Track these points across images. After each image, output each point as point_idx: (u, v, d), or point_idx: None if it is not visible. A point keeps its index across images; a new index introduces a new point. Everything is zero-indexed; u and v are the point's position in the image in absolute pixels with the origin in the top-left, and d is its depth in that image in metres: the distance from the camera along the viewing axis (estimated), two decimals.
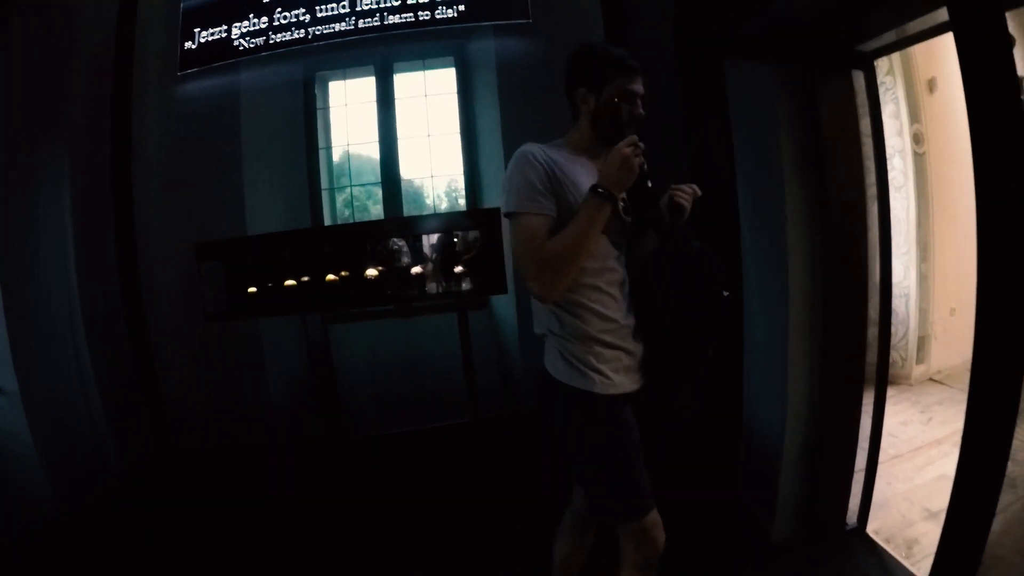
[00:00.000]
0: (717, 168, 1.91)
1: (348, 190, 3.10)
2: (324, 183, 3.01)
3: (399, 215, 2.90)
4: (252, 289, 2.15)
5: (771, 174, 1.65)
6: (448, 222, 2.11)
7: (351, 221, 3.06)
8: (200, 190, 2.70)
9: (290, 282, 2.09)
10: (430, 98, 3.08)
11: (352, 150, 3.08)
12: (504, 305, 2.73)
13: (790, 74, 1.60)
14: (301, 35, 2.60)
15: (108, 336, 2.63)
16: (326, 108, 3.09)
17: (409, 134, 3.04)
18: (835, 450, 1.71)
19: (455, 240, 2.09)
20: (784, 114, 1.61)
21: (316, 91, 3.07)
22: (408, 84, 3.09)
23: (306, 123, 2.98)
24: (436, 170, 3.07)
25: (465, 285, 2.10)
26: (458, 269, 2.09)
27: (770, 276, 1.74)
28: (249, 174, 2.73)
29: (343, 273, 2.14)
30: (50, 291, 2.38)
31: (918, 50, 2.26)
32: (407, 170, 3.04)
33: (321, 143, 3.05)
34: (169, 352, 2.76)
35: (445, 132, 3.04)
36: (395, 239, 2.21)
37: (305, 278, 2.20)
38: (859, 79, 1.62)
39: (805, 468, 1.73)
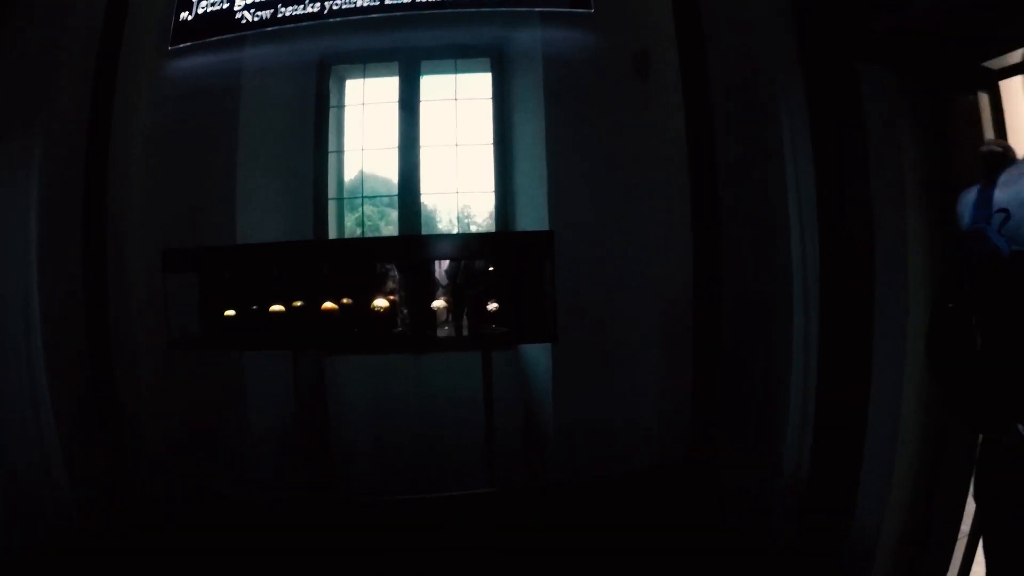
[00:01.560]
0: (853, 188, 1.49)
1: (360, 203, 2.67)
2: (332, 192, 2.59)
3: (417, 234, 2.47)
4: (230, 312, 1.70)
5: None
6: (482, 246, 1.66)
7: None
8: (185, 188, 2.28)
9: (276, 308, 1.65)
10: (461, 102, 2.66)
11: (367, 156, 2.66)
12: (537, 346, 2.27)
13: (916, 85, 1.46)
14: (315, 9, 2.19)
15: (67, 357, 2.19)
16: (340, 106, 2.68)
17: (433, 142, 2.61)
18: None
19: (490, 269, 1.65)
20: (909, 130, 1.47)
21: (331, 86, 2.67)
22: (436, 85, 2.68)
23: (316, 120, 2.57)
24: (463, 186, 2.64)
25: (497, 328, 1.66)
26: (491, 307, 1.65)
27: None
28: (245, 173, 2.32)
29: (344, 301, 1.70)
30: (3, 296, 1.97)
31: None
32: (429, 183, 2.61)
33: (332, 145, 2.63)
34: (135, 379, 2.31)
35: (476, 142, 2.62)
36: (410, 262, 1.78)
37: (297, 303, 1.76)
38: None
39: None
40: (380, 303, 1.60)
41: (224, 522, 2.06)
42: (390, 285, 1.74)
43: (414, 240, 1.72)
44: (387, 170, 2.62)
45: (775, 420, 1.82)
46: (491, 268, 1.64)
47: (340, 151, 2.66)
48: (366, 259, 1.62)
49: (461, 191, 2.63)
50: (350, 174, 2.66)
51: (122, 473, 2.28)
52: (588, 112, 2.30)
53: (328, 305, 1.64)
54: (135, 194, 2.31)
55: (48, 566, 1.85)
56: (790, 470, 1.78)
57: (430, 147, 2.61)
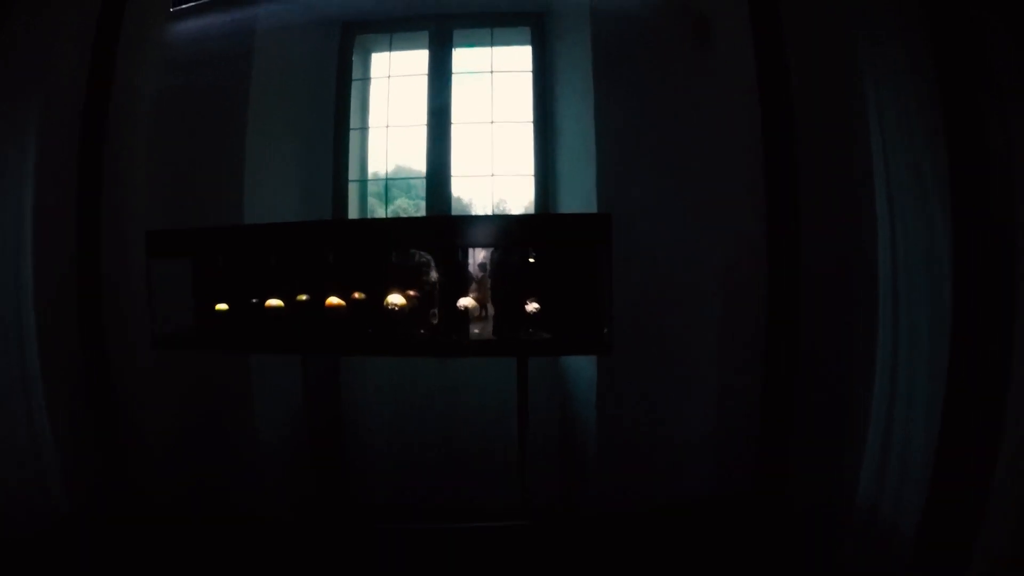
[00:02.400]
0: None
1: (384, 185, 2.40)
2: (353, 173, 2.32)
3: (444, 214, 2.18)
4: (221, 306, 1.44)
5: None
6: (522, 230, 1.35)
7: None
8: (190, 164, 2.04)
9: (274, 302, 1.39)
10: (497, 75, 2.37)
11: (392, 133, 2.38)
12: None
13: None
14: None
15: (60, 345, 1.98)
16: (365, 79, 2.42)
17: (467, 119, 2.33)
18: None
19: (530, 260, 1.35)
20: None
21: (354, 58, 2.40)
22: (470, 57, 2.39)
23: (337, 92, 2.31)
24: (499, 168, 2.34)
25: (538, 332, 1.37)
26: (531, 307, 1.36)
27: None
28: (256, 151, 2.07)
29: (356, 295, 1.42)
30: None
31: None
32: (461, 165, 2.32)
33: (354, 122, 2.36)
34: (132, 372, 2.08)
35: (514, 120, 2.33)
36: (436, 249, 1.49)
37: (302, 296, 1.49)
38: None
39: None
40: (397, 299, 1.31)
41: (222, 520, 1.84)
42: (413, 277, 1.45)
43: (440, 222, 1.42)
44: (415, 150, 2.34)
45: (852, 442, 1.58)
46: (532, 259, 1.34)
47: (364, 128, 2.39)
48: (382, 245, 1.32)
49: (497, 174, 2.33)
50: (374, 154, 2.38)
51: (118, 470, 2.07)
52: (642, 86, 2.00)
53: (333, 300, 1.36)
54: (135, 171, 2.07)
55: (40, 560, 1.70)
56: (866, 503, 1.54)
57: (463, 125, 2.33)
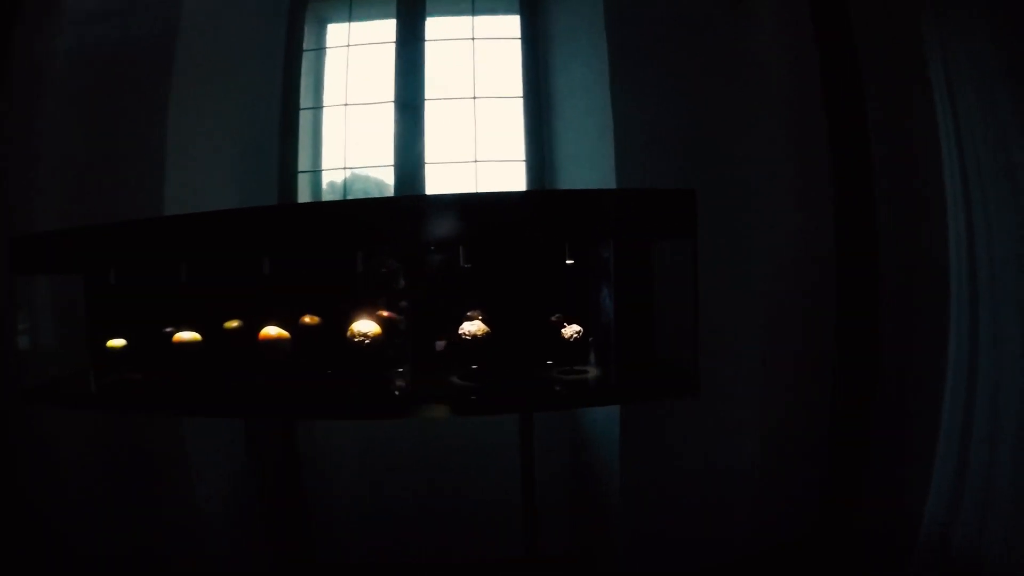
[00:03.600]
0: None
1: (342, 175, 1.98)
2: (304, 162, 1.90)
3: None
4: (116, 343, 1.00)
5: None
6: (549, 216, 0.90)
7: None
8: (98, 145, 1.58)
9: (186, 336, 0.95)
10: (480, 43, 1.98)
11: (352, 114, 1.96)
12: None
13: None
14: None
15: None
16: (320, 49, 1.99)
17: (443, 95, 1.93)
18: None
19: (568, 263, 0.95)
20: None
21: (306, 27, 1.98)
22: (447, 24, 2.00)
23: (285, 63, 1.88)
24: (484, 152, 1.94)
25: (579, 370, 0.97)
26: (570, 331, 0.96)
27: None
28: (181, 134, 1.62)
29: (306, 320, 1.00)
30: None
31: None
32: (436, 150, 1.91)
33: (305, 101, 1.93)
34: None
35: (501, 94, 1.93)
36: (420, 248, 1.08)
37: (232, 324, 1.06)
38: None
39: None
40: (367, 327, 0.89)
41: None
42: (391, 292, 1.03)
43: (426, 204, 0.97)
44: (380, 133, 1.92)
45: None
46: (570, 261, 0.93)
47: (318, 107, 1.96)
48: (346, 240, 0.89)
49: (481, 159, 1.93)
50: (330, 139, 1.96)
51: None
52: (670, 51, 1.61)
53: (271, 331, 0.94)
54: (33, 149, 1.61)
55: None
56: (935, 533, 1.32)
57: (439, 102, 1.92)
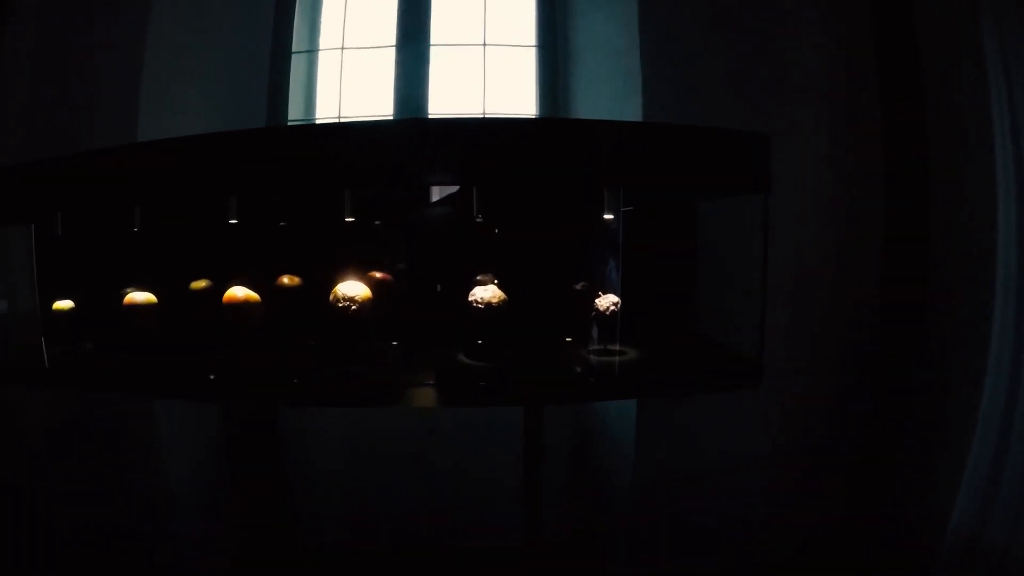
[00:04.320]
0: None
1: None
2: (295, 111, 1.72)
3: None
4: (62, 305, 0.85)
5: None
6: (592, 149, 0.71)
7: None
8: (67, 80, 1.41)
9: (138, 298, 0.79)
10: None
11: (350, 58, 1.78)
12: None
13: None
14: None
15: None
16: None
17: (449, 40, 1.75)
18: None
19: (607, 218, 0.77)
20: None
21: None
22: None
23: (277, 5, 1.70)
24: (493, 106, 1.77)
25: (616, 351, 0.80)
26: (606, 302, 0.79)
27: None
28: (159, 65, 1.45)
29: (285, 281, 0.84)
30: None
31: None
32: (441, 103, 1.74)
33: (298, 44, 1.75)
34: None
35: (513, 42, 1.75)
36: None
37: (200, 284, 0.90)
38: None
39: None
40: (354, 289, 0.73)
41: None
42: (384, 250, 0.87)
43: (430, 129, 0.77)
44: (380, 81, 1.74)
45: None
46: (609, 216, 0.76)
47: (312, 50, 1.78)
48: (333, 179, 0.72)
49: (490, 112, 1.75)
50: (325, 86, 1.78)
51: None
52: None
53: (238, 293, 0.78)
54: None
55: None
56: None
57: (444, 48, 1.74)
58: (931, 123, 1.34)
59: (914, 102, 1.35)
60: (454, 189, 1.03)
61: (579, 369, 0.78)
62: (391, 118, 1.68)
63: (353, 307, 0.72)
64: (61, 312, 0.89)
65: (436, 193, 1.08)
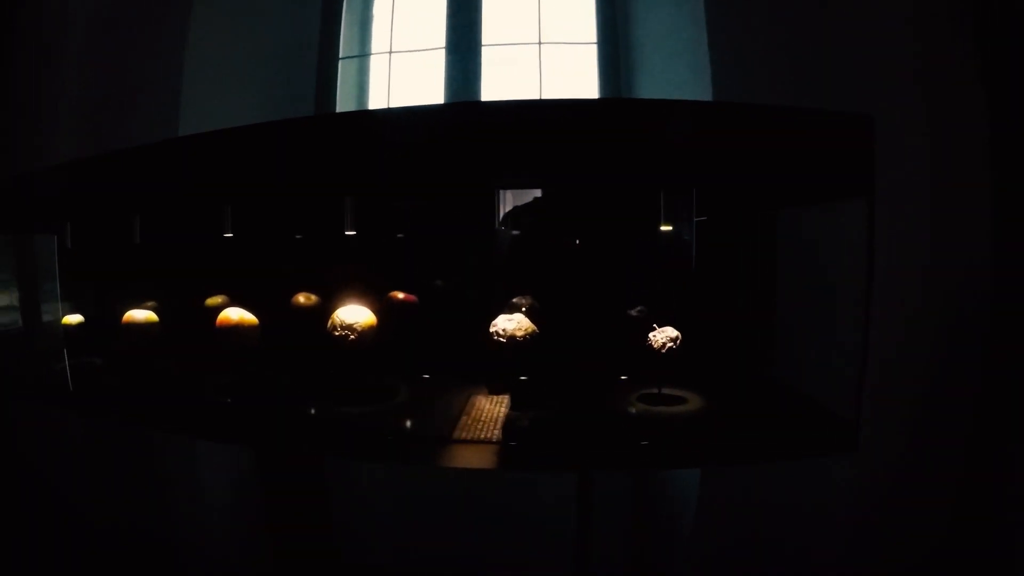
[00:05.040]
0: None
1: None
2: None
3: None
4: (72, 319, 0.79)
5: None
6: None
7: None
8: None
9: (139, 316, 0.72)
10: None
11: (398, 62, 1.71)
12: None
13: None
14: None
15: None
16: None
17: (503, 40, 1.65)
18: None
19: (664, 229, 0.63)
20: None
21: None
22: None
23: (324, 8, 1.64)
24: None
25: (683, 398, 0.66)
26: (663, 337, 0.65)
27: None
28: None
29: (301, 299, 0.75)
30: None
31: None
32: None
33: (347, 49, 1.69)
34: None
35: (571, 40, 1.64)
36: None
37: (216, 299, 0.82)
38: None
39: None
40: (352, 316, 0.62)
41: None
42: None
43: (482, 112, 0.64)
44: (431, 85, 1.65)
45: None
46: (667, 228, 0.62)
47: (364, 55, 1.71)
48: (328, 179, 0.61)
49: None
50: (375, 92, 1.71)
51: None
52: None
53: (232, 315, 0.68)
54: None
55: None
56: None
57: (497, 48, 1.64)
58: None
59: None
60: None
61: (633, 420, 0.63)
62: None
63: (352, 336, 0.61)
64: (70, 327, 0.83)
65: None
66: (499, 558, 1.29)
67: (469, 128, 0.61)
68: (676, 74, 1.38)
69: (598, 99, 1.40)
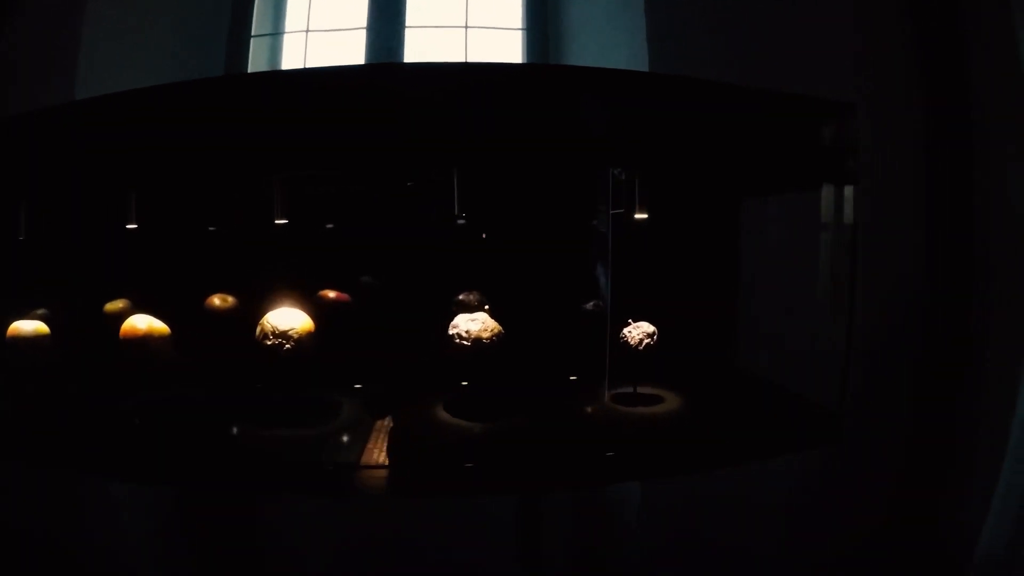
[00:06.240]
0: None
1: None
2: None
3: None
4: None
5: None
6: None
7: None
8: None
9: (26, 328, 0.60)
10: None
11: (314, 42, 1.60)
12: None
13: None
14: None
15: None
16: None
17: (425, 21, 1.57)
18: None
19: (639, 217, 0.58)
20: None
21: None
22: None
23: None
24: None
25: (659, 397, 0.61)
26: (639, 333, 0.60)
27: None
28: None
29: (217, 302, 0.65)
30: None
31: None
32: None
33: (260, 27, 1.56)
34: None
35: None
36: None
37: (117, 304, 0.70)
38: None
39: None
40: (286, 321, 0.54)
41: None
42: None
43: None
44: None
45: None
46: (641, 216, 0.57)
47: (278, 33, 1.58)
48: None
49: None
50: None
51: None
52: None
53: (139, 324, 0.57)
54: None
55: None
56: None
57: (420, 30, 1.56)
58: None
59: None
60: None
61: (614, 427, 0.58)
62: None
63: (288, 345, 0.53)
64: None
65: None
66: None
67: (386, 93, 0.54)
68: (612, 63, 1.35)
69: (523, 63, 1.33)
